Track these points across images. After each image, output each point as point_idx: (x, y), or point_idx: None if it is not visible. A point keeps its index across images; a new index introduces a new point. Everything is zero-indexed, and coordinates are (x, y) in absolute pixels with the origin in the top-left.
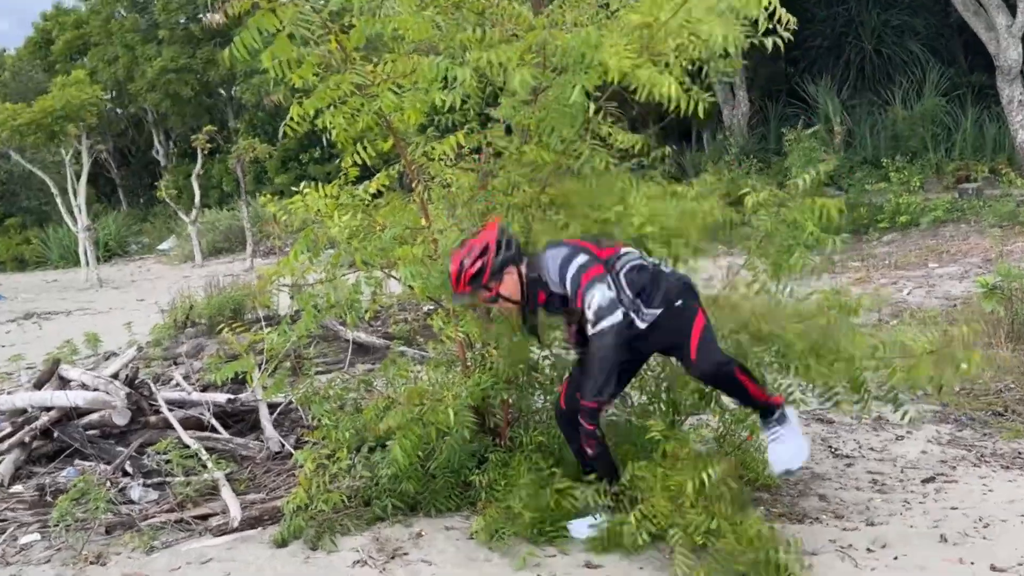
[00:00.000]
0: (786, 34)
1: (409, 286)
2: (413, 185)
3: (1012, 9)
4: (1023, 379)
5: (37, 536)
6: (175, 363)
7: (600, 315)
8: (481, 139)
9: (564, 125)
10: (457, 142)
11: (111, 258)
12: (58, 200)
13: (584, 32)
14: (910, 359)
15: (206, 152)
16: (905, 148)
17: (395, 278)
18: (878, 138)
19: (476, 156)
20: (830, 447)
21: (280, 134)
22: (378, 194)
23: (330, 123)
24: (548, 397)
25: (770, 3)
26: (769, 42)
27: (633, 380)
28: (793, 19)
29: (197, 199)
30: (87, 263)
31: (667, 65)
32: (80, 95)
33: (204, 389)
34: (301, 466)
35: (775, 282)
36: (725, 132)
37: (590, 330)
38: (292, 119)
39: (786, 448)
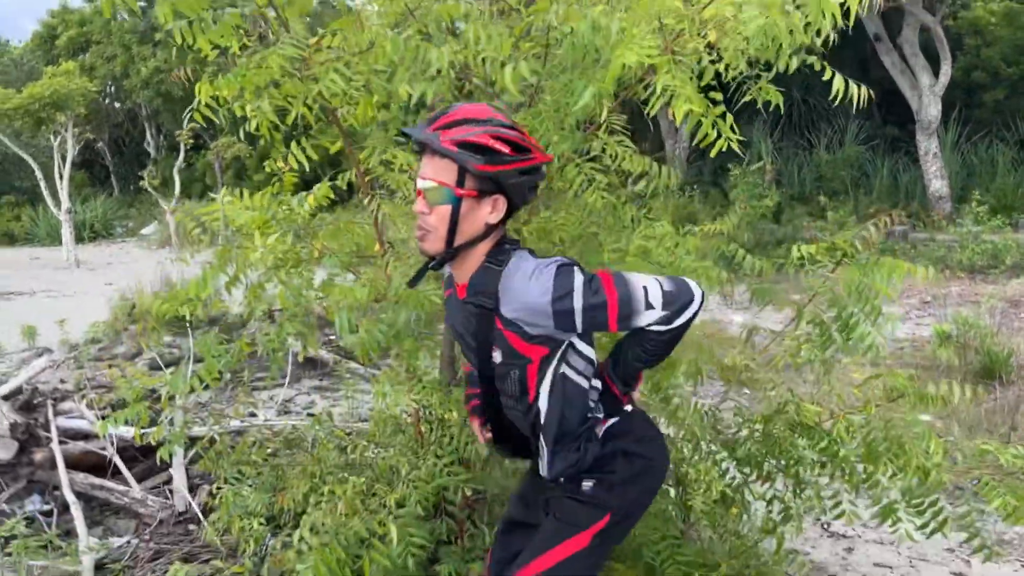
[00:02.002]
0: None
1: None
2: (365, 200)
3: (935, 71)
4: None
5: None
6: (110, 364)
7: (678, 300)
8: None
9: (562, 139)
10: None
11: (96, 239)
12: (43, 183)
13: (597, 13)
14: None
15: (188, 147)
16: (828, 188)
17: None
18: (805, 178)
19: None
20: (821, 523)
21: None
22: (319, 210)
23: (251, 112)
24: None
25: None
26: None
27: None
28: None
29: (177, 189)
30: (66, 244)
31: (700, 74)
32: (68, 84)
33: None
34: None
35: (822, 360)
36: (667, 163)
37: (663, 329)
38: (200, 101)
39: None
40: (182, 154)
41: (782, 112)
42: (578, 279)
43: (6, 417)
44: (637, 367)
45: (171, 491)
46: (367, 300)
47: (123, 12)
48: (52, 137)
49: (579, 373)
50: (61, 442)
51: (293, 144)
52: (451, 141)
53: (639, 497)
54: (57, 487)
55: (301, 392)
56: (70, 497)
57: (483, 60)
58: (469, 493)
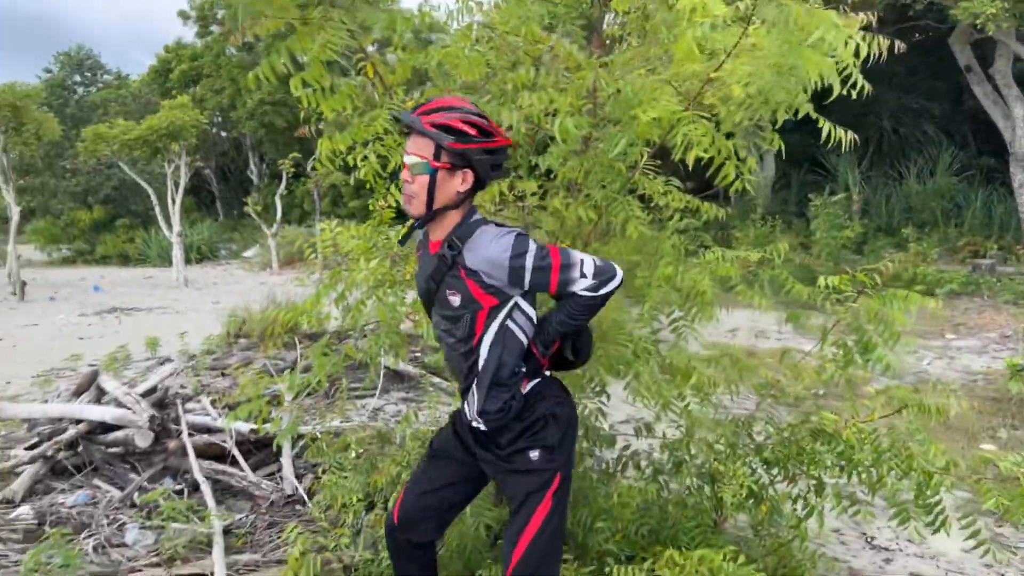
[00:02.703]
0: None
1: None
2: None
3: None
4: None
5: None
6: (223, 373)
7: (604, 275)
8: (525, 188)
9: (610, 180)
10: (501, 192)
11: (202, 260)
12: (157, 208)
13: (633, 77)
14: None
15: (290, 176)
16: (918, 220)
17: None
18: (893, 209)
19: (520, 204)
20: (864, 535)
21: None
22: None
23: (360, 162)
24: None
25: (847, 67)
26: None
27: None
28: (868, 85)
29: (279, 215)
30: (176, 265)
31: (717, 124)
32: (183, 117)
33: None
34: (292, 543)
35: (843, 378)
36: (751, 193)
37: (590, 295)
38: (322, 153)
39: None
40: (284, 182)
41: (871, 142)
42: (532, 245)
43: (144, 412)
44: (558, 331)
45: (281, 477)
46: None
47: (232, 47)
48: (166, 165)
49: (520, 328)
50: (189, 434)
51: (393, 187)
52: (430, 123)
53: (570, 450)
54: (187, 472)
55: (390, 402)
56: (200, 477)
57: (545, 115)
58: None
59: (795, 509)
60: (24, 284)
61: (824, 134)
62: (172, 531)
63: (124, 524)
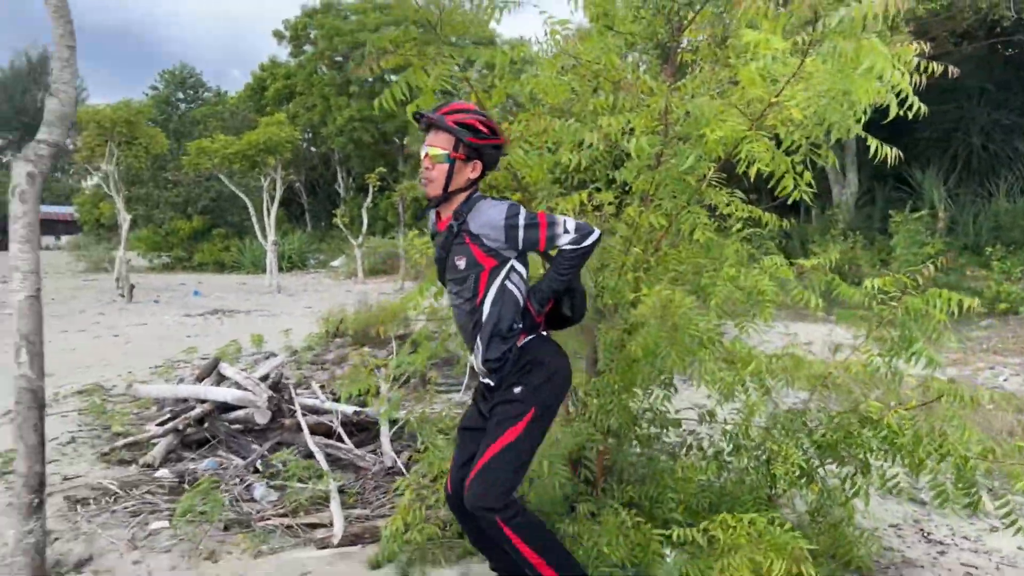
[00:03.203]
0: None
1: None
2: None
3: None
4: None
5: (165, 523)
6: (322, 367)
7: (583, 230)
8: (603, 199)
9: (679, 192)
10: (581, 201)
11: (292, 269)
12: (254, 218)
13: (702, 101)
14: None
15: (376, 189)
16: (1007, 238)
17: None
18: (980, 227)
19: (597, 213)
20: (923, 531)
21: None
22: None
23: None
24: (645, 450)
25: (902, 90)
26: (856, 129)
27: (733, 446)
28: (924, 107)
29: (364, 227)
30: (270, 272)
31: (778, 143)
32: (280, 133)
33: (337, 399)
34: (401, 493)
35: (888, 368)
36: (833, 208)
37: (572, 248)
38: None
39: None
40: (370, 195)
41: (959, 159)
42: (522, 209)
43: (263, 393)
44: (551, 287)
45: (381, 453)
46: None
47: (323, 66)
48: (262, 178)
49: (515, 287)
50: (301, 414)
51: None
52: (453, 121)
53: (551, 395)
54: (300, 446)
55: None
56: (313, 447)
57: (622, 134)
58: (602, 448)
59: (844, 489)
60: (132, 287)
61: (872, 151)
62: (295, 489)
63: (251, 484)
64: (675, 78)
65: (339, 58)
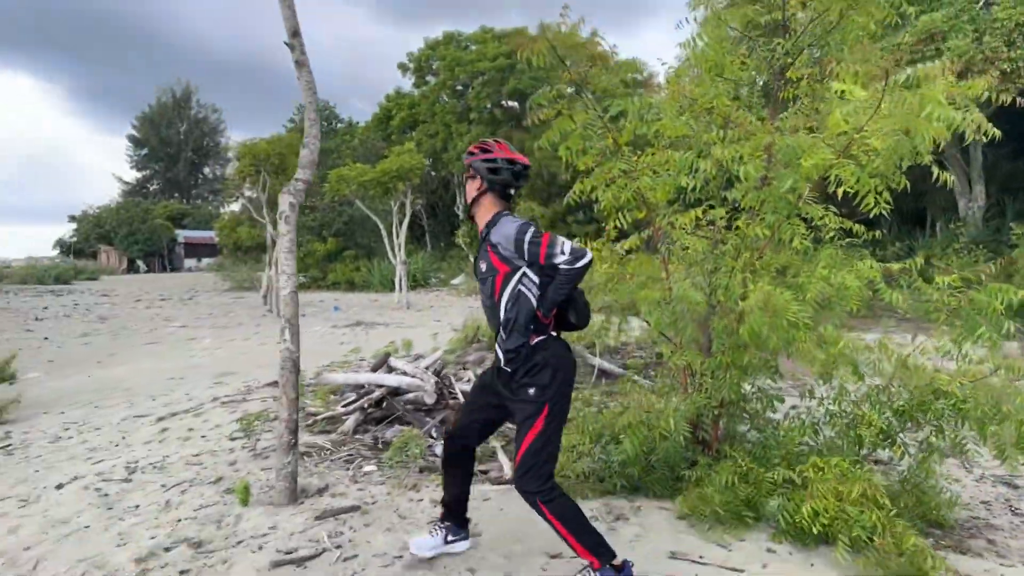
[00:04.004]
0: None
1: (646, 321)
2: (658, 247)
3: None
4: None
5: (374, 468)
6: (463, 367)
7: (577, 253)
8: (715, 215)
9: (780, 208)
10: (696, 216)
11: (416, 287)
12: (384, 240)
13: (798, 137)
14: None
15: None
16: None
17: (637, 317)
18: None
19: (710, 226)
20: (1011, 507)
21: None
22: (630, 251)
23: (600, 196)
24: (752, 423)
25: (972, 121)
26: (926, 158)
27: (821, 418)
28: (998, 132)
29: None
30: (400, 289)
31: (862, 166)
32: (410, 161)
33: None
34: None
35: (957, 350)
36: (959, 222)
37: (567, 267)
38: (574, 192)
39: None
40: None
41: None
42: (532, 228)
43: (430, 379)
44: (553, 298)
45: None
46: (660, 298)
47: (444, 95)
48: (392, 203)
49: (529, 291)
50: (461, 394)
51: (619, 213)
52: (467, 152)
53: (559, 390)
54: None
55: (595, 395)
56: None
57: (732, 162)
58: (716, 415)
59: (922, 450)
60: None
61: (934, 176)
62: None
63: (431, 444)
64: (777, 112)
65: (460, 87)
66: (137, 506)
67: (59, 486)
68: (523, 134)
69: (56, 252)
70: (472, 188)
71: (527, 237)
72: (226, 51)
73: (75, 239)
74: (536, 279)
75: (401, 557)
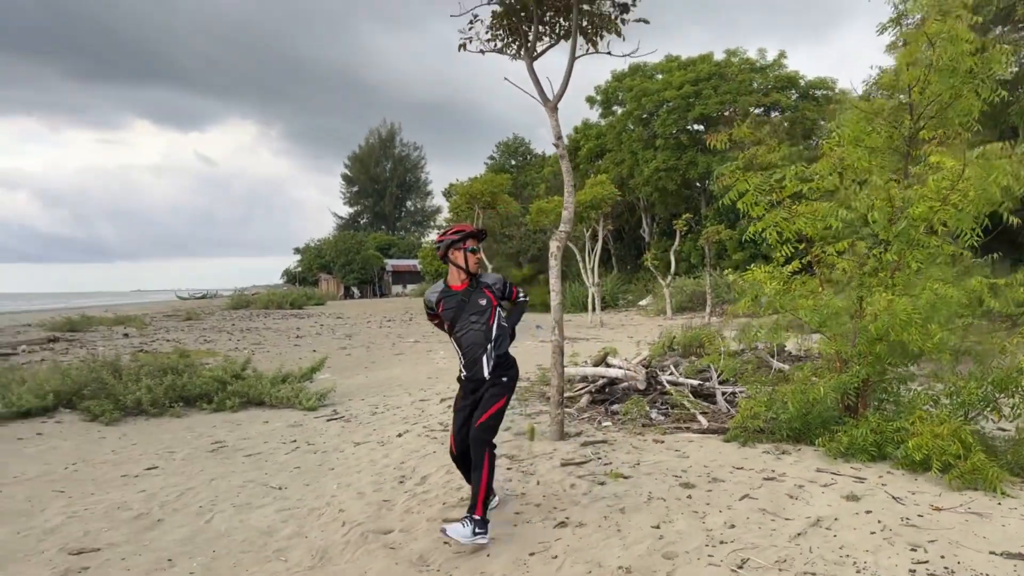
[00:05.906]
0: None
1: (805, 323)
2: (815, 269)
3: None
4: None
5: (609, 423)
6: (661, 369)
7: (523, 292)
8: (860, 247)
9: (904, 239)
10: (844, 247)
11: (605, 308)
12: (579, 264)
13: (912, 191)
14: None
15: (684, 233)
16: None
17: (801, 322)
18: None
19: (853, 256)
20: None
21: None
22: (794, 273)
23: (768, 234)
24: (890, 396)
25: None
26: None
27: (923, 389)
28: None
29: (673, 268)
30: (593, 309)
31: (959, 210)
32: (603, 192)
33: (685, 378)
34: (735, 415)
35: None
36: None
37: (520, 297)
38: (754, 228)
39: (462, 532)
40: (677, 239)
41: None
42: (507, 281)
43: (641, 370)
44: (512, 323)
45: (715, 403)
46: (814, 306)
47: (631, 123)
48: (585, 230)
49: (501, 320)
50: (667, 383)
51: (783, 245)
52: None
53: (512, 386)
54: (665, 402)
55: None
56: (677, 399)
57: (868, 209)
58: (860, 389)
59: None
60: None
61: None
62: (674, 414)
63: (647, 412)
64: (907, 168)
65: (645, 115)
66: None
67: (400, 435)
68: (709, 157)
69: (283, 280)
70: (455, 261)
71: (505, 283)
72: (424, 92)
73: (299, 268)
74: (503, 312)
75: (638, 465)
